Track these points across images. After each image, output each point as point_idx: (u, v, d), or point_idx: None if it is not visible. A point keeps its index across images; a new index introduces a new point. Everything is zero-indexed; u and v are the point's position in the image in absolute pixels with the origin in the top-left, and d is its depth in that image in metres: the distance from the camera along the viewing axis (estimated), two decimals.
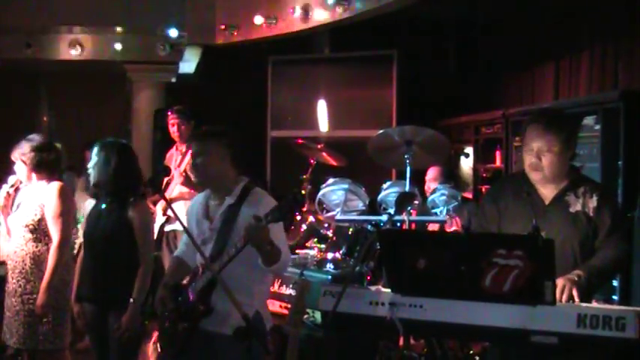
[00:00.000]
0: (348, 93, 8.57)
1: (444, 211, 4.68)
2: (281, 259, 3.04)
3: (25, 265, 4.15)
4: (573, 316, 2.50)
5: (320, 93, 8.59)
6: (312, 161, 5.73)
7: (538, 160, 2.96)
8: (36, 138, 4.24)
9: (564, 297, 2.73)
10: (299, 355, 2.66)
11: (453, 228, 4.96)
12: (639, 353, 2.49)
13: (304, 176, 5.63)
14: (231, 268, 2.98)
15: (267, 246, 2.92)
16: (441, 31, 8.58)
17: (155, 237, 5.19)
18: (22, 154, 4.18)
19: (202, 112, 6.03)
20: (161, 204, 5.46)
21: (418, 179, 5.05)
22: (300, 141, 5.96)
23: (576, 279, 2.78)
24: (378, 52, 8.33)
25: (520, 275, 2.54)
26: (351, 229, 4.66)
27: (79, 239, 5.54)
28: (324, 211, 4.92)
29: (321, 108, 8.52)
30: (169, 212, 5.30)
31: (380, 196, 4.78)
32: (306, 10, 7.56)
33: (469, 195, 6.73)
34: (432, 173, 5.35)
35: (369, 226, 4.55)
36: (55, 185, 4.18)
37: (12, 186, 4.34)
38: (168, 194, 5.33)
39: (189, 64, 9.37)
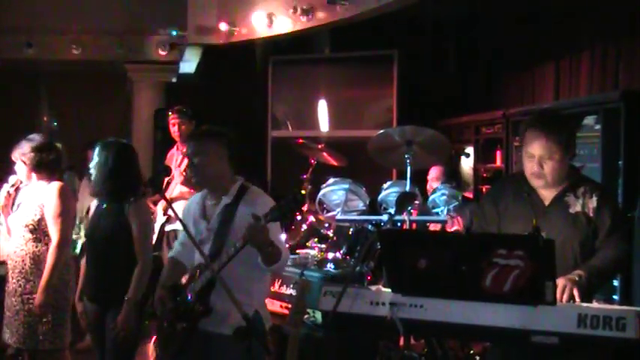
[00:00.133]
0: (348, 93, 8.57)
1: (445, 211, 4.68)
2: (281, 259, 3.05)
3: (25, 264, 4.16)
4: (574, 316, 2.50)
5: (320, 93, 8.59)
6: (312, 161, 5.73)
7: (540, 167, 2.96)
8: (36, 138, 4.25)
9: (565, 297, 2.73)
10: (299, 355, 2.66)
11: (454, 228, 4.97)
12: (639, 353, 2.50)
13: (305, 176, 5.63)
14: (230, 267, 2.98)
15: (268, 247, 2.92)
16: (441, 31, 8.58)
17: (156, 237, 5.21)
18: (22, 154, 4.18)
19: (203, 112, 6.03)
20: (162, 204, 5.46)
21: (419, 179, 5.05)
22: (300, 141, 5.96)
23: (577, 279, 2.78)
24: (378, 52, 8.33)
25: (521, 275, 2.54)
26: (351, 229, 4.66)
27: (82, 239, 5.55)
28: (325, 211, 4.92)
29: (322, 108, 8.52)
30: (170, 212, 5.31)
31: (380, 196, 4.78)
32: (306, 10, 7.56)
33: (469, 195, 6.72)
34: (434, 173, 5.35)
35: (370, 226, 4.55)
36: (55, 185, 4.18)
37: (12, 185, 4.34)
38: (168, 194, 5.33)
39: (189, 64, 9.36)
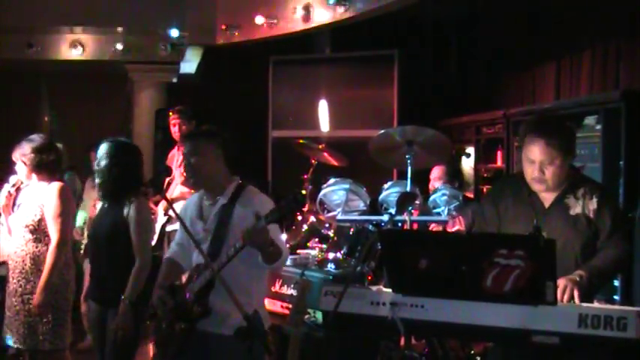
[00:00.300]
0: (349, 93, 8.56)
1: (446, 211, 4.67)
2: (282, 257, 3.05)
3: (25, 265, 4.16)
4: (574, 316, 2.50)
5: (321, 93, 8.58)
6: (313, 161, 5.72)
7: (541, 173, 2.96)
8: (37, 138, 4.25)
9: (565, 297, 2.73)
10: (300, 355, 2.66)
11: (456, 228, 4.96)
12: None
13: (305, 176, 5.63)
14: (230, 267, 2.98)
15: (269, 247, 2.93)
16: (442, 31, 8.58)
17: (156, 237, 5.21)
18: (22, 154, 4.18)
19: (203, 112, 6.03)
20: (162, 204, 5.46)
21: (420, 179, 5.04)
22: (301, 141, 5.96)
23: (577, 279, 2.78)
24: (379, 52, 8.33)
25: (521, 275, 2.54)
26: (352, 229, 4.66)
27: (85, 240, 5.56)
28: (325, 211, 4.91)
29: (322, 108, 8.52)
30: (170, 212, 5.31)
31: (381, 196, 4.78)
32: (307, 10, 7.56)
33: (470, 195, 6.72)
34: (436, 172, 5.34)
35: (370, 226, 4.55)
36: (55, 185, 4.18)
37: (13, 185, 4.34)
38: (169, 194, 5.33)
39: (190, 64, 9.37)
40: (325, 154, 5.69)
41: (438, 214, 4.66)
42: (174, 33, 8.50)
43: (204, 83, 9.57)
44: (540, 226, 2.91)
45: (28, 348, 4.17)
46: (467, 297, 2.64)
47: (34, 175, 4.20)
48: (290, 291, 4.42)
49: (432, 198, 4.79)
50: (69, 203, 4.23)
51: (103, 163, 3.82)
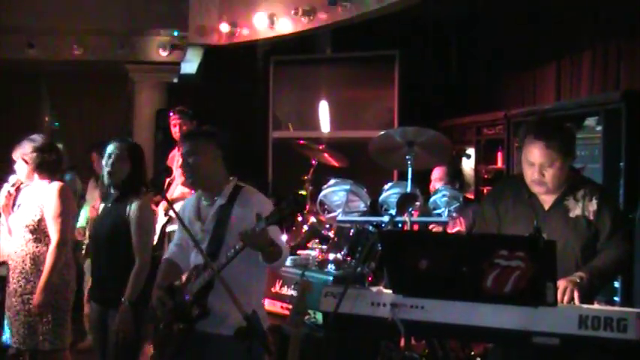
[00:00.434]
0: (349, 93, 8.57)
1: (446, 213, 4.67)
2: (282, 256, 3.06)
3: (26, 265, 4.16)
4: (575, 317, 2.51)
5: (321, 93, 8.58)
6: (313, 162, 5.72)
7: (541, 175, 2.96)
8: (37, 138, 4.26)
9: (566, 298, 2.73)
10: (300, 355, 2.66)
11: (456, 229, 4.96)
12: None
13: (305, 177, 5.63)
14: (229, 266, 2.98)
15: (269, 247, 2.93)
16: (442, 31, 8.57)
17: (157, 237, 5.21)
18: (24, 153, 4.19)
19: (204, 113, 6.03)
20: (163, 204, 5.46)
21: (421, 180, 5.04)
22: (301, 142, 5.96)
23: (578, 280, 2.78)
24: (379, 52, 8.33)
25: (521, 276, 2.54)
26: (352, 230, 4.66)
27: (87, 240, 5.57)
28: (326, 212, 4.91)
29: (323, 108, 8.51)
30: (171, 213, 5.31)
31: (381, 197, 4.77)
32: (307, 11, 7.55)
33: (470, 196, 6.72)
34: (437, 173, 5.34)
35: (371, 227, 4.55)
36: (55, 185, 4.19)
37: (13, 185, 4.34)
38: (169, 195, 5.33)
39: (190, 64, 9.36)
40: (326, 154, 5.69)
41: (439, 215, 4.66)
42: (175, 33, 8.49)
43: (204, 83, 9.55)
44: (540, 227, 2.91)
45: (28, 348, 4.17)
46: (467, 298, 2.64)
47: (34, 175, 4.21)
48: (290, 292, 4.42)
49: (432, 199, 4.79)
50: (69, 203, 4.23)
51: (114, 162, 3.81)
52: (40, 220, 4.14)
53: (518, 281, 2.54)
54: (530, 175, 3.00)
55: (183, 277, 3.35)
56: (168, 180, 5.35)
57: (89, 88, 9.98)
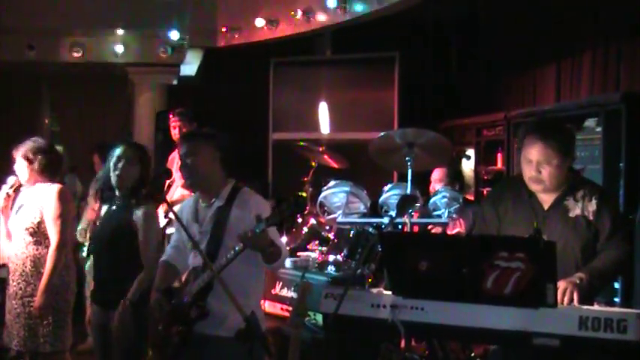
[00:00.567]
0: (349, 95, 8.57)
1: (446, 214, 4.66)
2: (281, 256, 3.06)
3: (26, 267, 4.16)
4: (575, 318, 2.50)
5: (321, 95, 8.58)
6: (313, 163, 5.72)
7: (538, 173, 2.97)
8: (37, 140, 4.25)
9: (566, 299, 2.73)
10: (300, 357, 2.66)
11: (456, 230, 4.96)
12: None
13: (305, 178, 5.63)
14: (228, 267, 2.98)
15: (269, 248, 2.93)
16: (442, 31, 8.58)
17: None
18: (24, 155, 4.19)
19: (204, 115, 6.04)
20: (162, 207, 5.45)
21: (421, 181, 5.04)
22: (301, 143, 5.96)
23: (578, 282, 2.78)
24: (379, 53, 8.33)
25: (522, 278, 2.54)
26: (352, 232, 4.66)
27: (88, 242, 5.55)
28: (326, 214, 4.91)
29: (323, 110, 8.52)
30: (171, 215, 5.30)
31: (381, 199, 4.77)
32: (307, 13, 7.56)
33: (470, 197, 6.72)
34: (437, 174, 5.34)
35: (371, 229, 4.55)
36: (55, 188, 4.18)
37: (11, 187, 4.33)
38: (169, 197, 5.33)
39: (190, 66, 9.37)
40: (325, 156, 5.69)
41: (439, 216, 4.65)
42: (175, 35, 8.50)
43: (204, 85, 9.56)
44: (540, 229, 2.91)
45: (28, 350, 4.17)
46: (467, 299, 2.64)
47: (34, 177, 4.20)
48: (290, 293, 4.42)
49: (432, 200, 4.79)
50: (68, 205, 4.23)
51: (124, 166, 3.79)
52: (40, 223, 4.14)
53: (518, 282, 2.54)
54: (527, 172, 3.01)
55: (182, 279, 3.35)
56: (168, 182, 5.36)
57: (89, 89, 9.99)
